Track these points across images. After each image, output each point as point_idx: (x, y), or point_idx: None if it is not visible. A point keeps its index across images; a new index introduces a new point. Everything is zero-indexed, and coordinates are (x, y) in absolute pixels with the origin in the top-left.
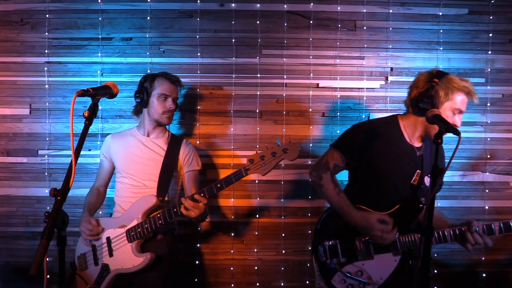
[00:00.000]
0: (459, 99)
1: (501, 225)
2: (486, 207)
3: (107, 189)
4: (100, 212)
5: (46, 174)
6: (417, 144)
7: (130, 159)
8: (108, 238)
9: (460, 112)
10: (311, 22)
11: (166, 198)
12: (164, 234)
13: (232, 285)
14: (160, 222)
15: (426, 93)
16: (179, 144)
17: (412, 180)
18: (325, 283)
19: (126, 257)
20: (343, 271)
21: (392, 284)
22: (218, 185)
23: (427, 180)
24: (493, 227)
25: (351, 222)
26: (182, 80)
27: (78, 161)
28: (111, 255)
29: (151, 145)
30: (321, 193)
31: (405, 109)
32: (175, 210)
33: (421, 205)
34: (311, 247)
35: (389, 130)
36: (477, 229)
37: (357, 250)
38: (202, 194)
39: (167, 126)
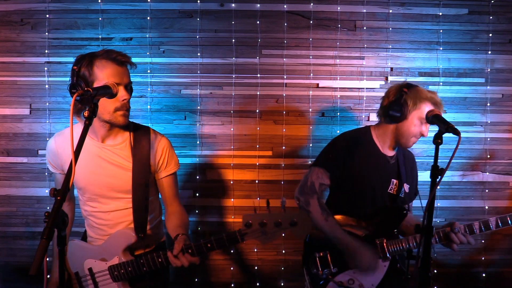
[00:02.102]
0: (426, 108)
1: (481, 225)
2: (486, 207)
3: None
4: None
5: (46, 174)
6: (390, 153)
7: (89, 177)
8: (90, 270)
9: (427, 128)
10: (311, 22)
11: (147, 225)
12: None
13: (232, 285)
14: (144, 269)
15: (396, 102)
16: (147, 143)
17: (388, 189)
18: None
19: None
20: (335, 280)
21: None
22: (209, 245)
23: (406, 187)
24: (473, 227)
25: (341, 248)
26: (182, 80)
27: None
28: None
29: (111, 156)
30: (307, 215)
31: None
32: (159, 260)
33: (405, 211)
34: (302, 259)
35: (363, 141)
36: (459, 229)
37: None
38: (190, 251)
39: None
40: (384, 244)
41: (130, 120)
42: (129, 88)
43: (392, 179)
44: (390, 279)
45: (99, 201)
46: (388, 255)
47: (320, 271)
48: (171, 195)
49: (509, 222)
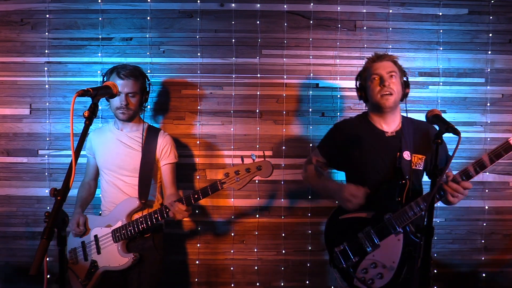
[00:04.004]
0: (369, 67)
1: (475, 166)
2: (486, 207)
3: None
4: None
5: (46, 174)
6: (389, 128)
7: (108, 155)
8: (95, 236)
9: (382, 77)
10: (311, 22)
11: (148, 196)
12: (151, 233)
13: (232, 285)
14: (143, 226)
15: (358, 91)
16: (155, 136)
17: (397, 163)
18: (349, 286)
19: (113, 256)
20: (359, 270)
21: (405, 264)
22: (196, 196)
23: (406, 155)
24: (468, 170)
25: (331, 192)
26: (182, 80)
27: (78, 161)
28: (99, 252)
29: (127, 140)
30: (307, 182)
31: None
32: (156, 216)
33: (403, 181)
34: (329, 257)
35: (360, 124)
36: (447, 177)
37: (363, 244)
38: (181, 203)
39: (142, 117)
40: (392, 219)
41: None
42: (133, 96)
43: (398, 153)
44: (410, 251)
45: (113, 178)
46: (398, 229)
47: (344, 264)
48: (169, 180)
49: (502, 153)
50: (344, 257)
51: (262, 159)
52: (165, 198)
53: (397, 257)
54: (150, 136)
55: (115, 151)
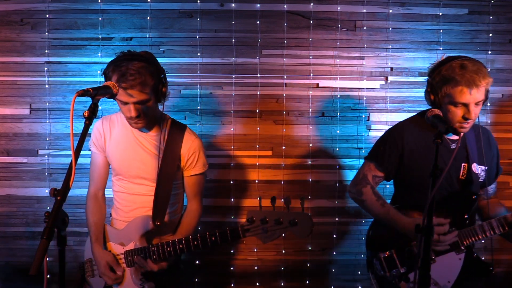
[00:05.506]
0: (461, 91)
1: None
2: None
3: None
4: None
5: (46, 174)
6: (453, 136)
7: (122, 158)
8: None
9: (469, 108)
10: (311, 22)
11: (167, 214)
12: (167, 268)
13: (232, 285)
14: (154, 257)
15: (426, 88)
16: (180, 138)
17: (460, 175)
18: None
19: (127, 281)
20: (402, 286)
21: (462, 286)
22: (213, 239)
23: (475, 167)
24: None
25: (403, 230)
26: (182, 80)
27: (78, 161)
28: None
29: (145, 142)
30: (364, 208)
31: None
32: (168, 249)
33: (474, 196)
34: (366, 262)
35: (421, 130)
36: None
37: (416, 256)
38: (196, 242)
39: (165, 112)
40: (457, 236)
41: (167, 115)
42: (142, 103)
43: (462, 164)
44: (469, 273)
45: (126, 183)
46: (461, 247)
47: (388, 272)
48: (192, 193)
49: None
50: (389, 264)
51: (299, 209)
52: (184, 213)
53: (453, 276)
54: (173, 138)
55: (131, 154)
